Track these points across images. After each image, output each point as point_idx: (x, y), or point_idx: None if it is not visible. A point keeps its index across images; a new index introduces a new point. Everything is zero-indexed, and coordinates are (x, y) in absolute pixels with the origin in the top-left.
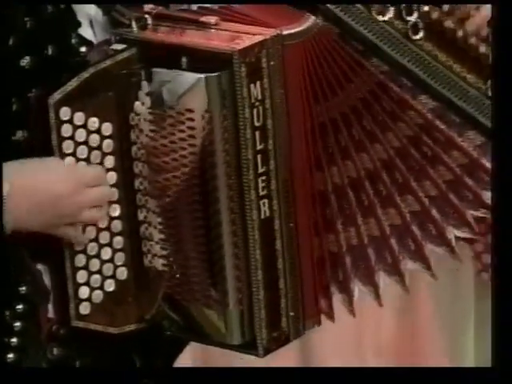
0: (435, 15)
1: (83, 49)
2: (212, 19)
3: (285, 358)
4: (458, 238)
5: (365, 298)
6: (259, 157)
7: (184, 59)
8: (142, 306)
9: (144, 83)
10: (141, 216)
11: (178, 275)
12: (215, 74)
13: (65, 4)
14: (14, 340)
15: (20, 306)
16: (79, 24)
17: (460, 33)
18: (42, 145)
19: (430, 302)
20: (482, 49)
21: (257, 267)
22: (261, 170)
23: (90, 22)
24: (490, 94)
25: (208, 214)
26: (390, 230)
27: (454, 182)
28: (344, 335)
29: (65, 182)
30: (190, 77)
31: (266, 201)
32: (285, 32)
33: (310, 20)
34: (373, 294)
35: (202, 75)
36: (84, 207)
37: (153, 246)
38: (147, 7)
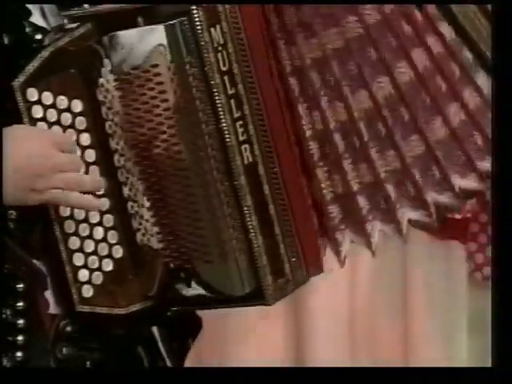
0: None
1: (38, 36)
2: None
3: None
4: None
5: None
6: (232, 101)
7: (140, 19)
8: (143, 283)
9: (105, 61)
10: (125, 191)
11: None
12: (173, 21)
13: None
14: (20, 338)
15: (20, 304)
16: (30, 12)
17: None
18: None
19: (424, 301)
20: None
21: (250, 213)
22: (236, 115)
23: (41, 11)
24: None
25: (191, 164)
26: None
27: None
28: (338, 336)
29: (36, 143)
30: (148, 30)
31: (246, 146)
32: None
33: None
34: (365, 244)
35: (160, 25)
36: (56, 168)
37: (142, 221)
38: None
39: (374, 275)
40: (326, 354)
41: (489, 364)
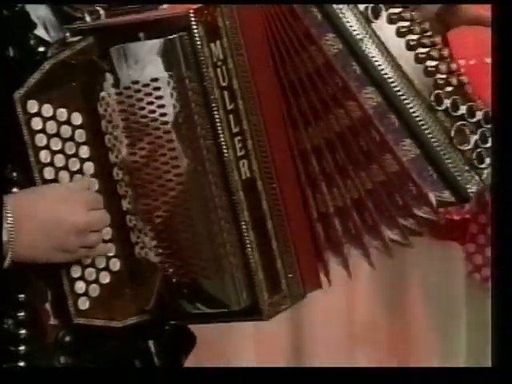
0: None
1: (41, 49)
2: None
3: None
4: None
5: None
6: (231, 117)
7: (141, 34)
8: (140, 297)
9: (107, 74)
10: (124, 204)
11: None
12: (173, 36)
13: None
14: (22, 348)
15: (21, 314)
16: (35, 25)
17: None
18: (15, 143)
19: (421, 302)
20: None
21: (248, 228)
22: (235, 130)
23: (43, 24)
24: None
25: (189, 179)
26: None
27: (385, 185)
28: (337, 336)
29: (64, 203)
30: (149, 45)
31: (244, 161)
32: None
33: None
34: (364, 257)
35: (161, 40)
36: (88, 228)
37: (141, 235)
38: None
39: (372, 276)
40: (325, 353)
41: (488, 364)
